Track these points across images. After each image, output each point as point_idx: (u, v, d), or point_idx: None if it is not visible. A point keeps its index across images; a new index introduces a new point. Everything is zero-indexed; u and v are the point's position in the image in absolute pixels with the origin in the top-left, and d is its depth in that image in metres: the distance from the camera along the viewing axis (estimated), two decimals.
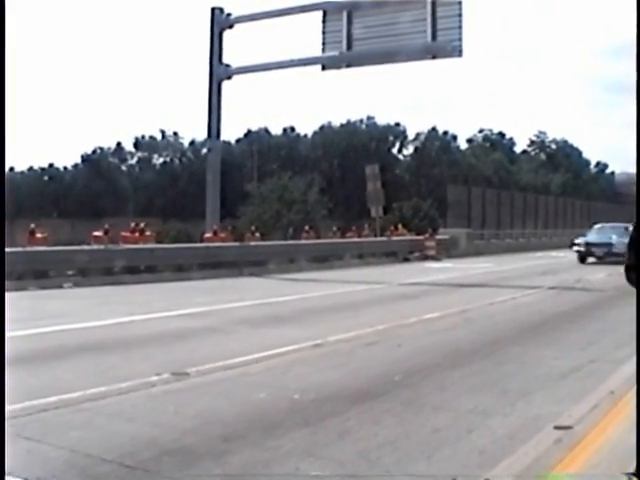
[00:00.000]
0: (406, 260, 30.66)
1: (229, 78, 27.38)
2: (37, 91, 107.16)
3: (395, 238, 33.95)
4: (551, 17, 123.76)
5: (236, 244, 24.78)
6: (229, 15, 27.36)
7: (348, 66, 26.39)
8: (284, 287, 18.75)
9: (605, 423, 5.54)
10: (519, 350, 8.83)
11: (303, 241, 31.06)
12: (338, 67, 26.37)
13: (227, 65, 27.09)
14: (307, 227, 35.14)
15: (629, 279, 4.07)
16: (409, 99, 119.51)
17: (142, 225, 23.63)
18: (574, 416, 5.67)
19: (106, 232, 22.68)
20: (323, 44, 25.75)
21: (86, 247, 21.72)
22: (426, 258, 31.36)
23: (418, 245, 32.83)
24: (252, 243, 26.16)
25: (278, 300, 14.96)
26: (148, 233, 23.71)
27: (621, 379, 7.02)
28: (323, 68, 26.40)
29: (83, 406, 6.11)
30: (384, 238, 33.48)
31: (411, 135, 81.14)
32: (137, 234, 23.10)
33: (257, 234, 29.28)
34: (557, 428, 5.36)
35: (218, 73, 26.96)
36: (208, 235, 25.65)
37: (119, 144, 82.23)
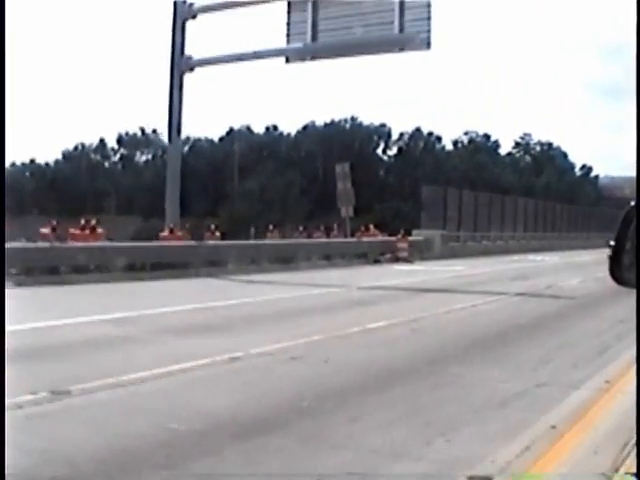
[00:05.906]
0: (377, 262, 29.52)
1: (191, 70, 26.22)
2: (19, 86, 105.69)
3: (365, 239, 32.74)
4: (538, 18, 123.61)
5: (193, 243, 23.60)
6: (192, 5, 26.22)
7: (313, 58, 25.36)
8: (235, 290, 17.68)
9: (533, 472, 4.49)
10: (461, 370, 7.75)
11: (266, 241, 29.92)
12: (302, 59, 25.31)
13: (189, 57, 25.95)
14: (271, 226, 34.09)
15: (622, 281, 3.06)
16: (395, 99, 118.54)
17: (93, 222, 22.39)
18: (498, 462, 4.60)
19: (53, 229, 21.50)
20: (287, 35, 24.71)
21: (31, 244, 20.52)
22: (397, 260, 30.21)
23: (390, 246, 31.66)
24: (211, 242, 25.01)
25: (219, 305, 13.82)
26: (100, 231, 22.49)
27: (568, 409, 6.02)
28: (287, 60, 25.37)
29: None
30: (354, 239, 32.38)
31: (395, 135, 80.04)
32: (87, 231, 21.86)
33: (217, 233, 28.15)
34: (471, 479, 4.29)
35: (179, 65, 25.80)
36: (164, 234, 24.48)
37: (102, 140, 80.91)
